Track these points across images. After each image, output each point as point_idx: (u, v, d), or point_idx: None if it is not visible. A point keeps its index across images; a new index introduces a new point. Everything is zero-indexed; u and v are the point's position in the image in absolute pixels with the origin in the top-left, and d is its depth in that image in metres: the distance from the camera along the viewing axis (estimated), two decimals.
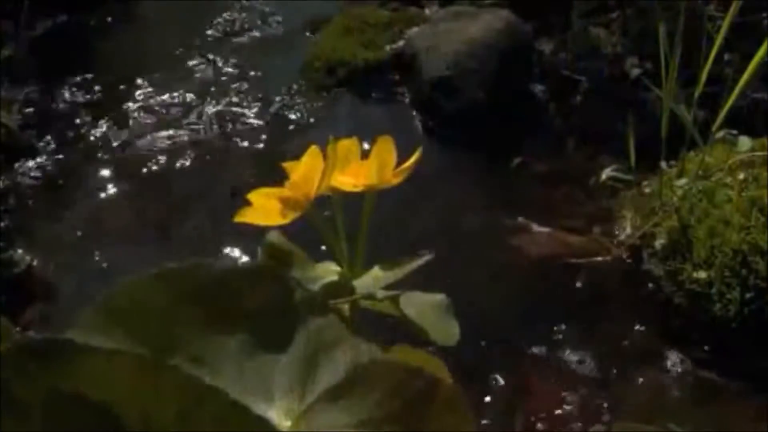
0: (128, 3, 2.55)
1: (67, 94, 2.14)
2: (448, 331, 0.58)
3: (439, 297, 0.60)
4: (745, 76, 1.54)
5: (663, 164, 1.64)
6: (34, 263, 1.64)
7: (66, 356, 0.40)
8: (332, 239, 0.59)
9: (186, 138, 2.00)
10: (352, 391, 0.45)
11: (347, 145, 0.60)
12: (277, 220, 0.57)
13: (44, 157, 1.93)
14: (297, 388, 0.47)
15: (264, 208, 0.57)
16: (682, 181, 1.61)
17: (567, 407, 1.36)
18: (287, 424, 0.46)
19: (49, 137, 1.99)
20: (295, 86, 2.16)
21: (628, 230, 1.67)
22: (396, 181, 0.60)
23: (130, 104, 2.12)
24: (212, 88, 2.17)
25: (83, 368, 0.40)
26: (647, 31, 1.99)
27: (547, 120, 2.04)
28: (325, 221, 0.59)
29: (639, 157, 1.72)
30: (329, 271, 0.59)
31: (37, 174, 1.89)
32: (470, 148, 1.95)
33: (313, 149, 0.58)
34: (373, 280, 0.58)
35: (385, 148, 0.58)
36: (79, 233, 1.73)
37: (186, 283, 0.49)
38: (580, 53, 2.14)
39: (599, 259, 1.63)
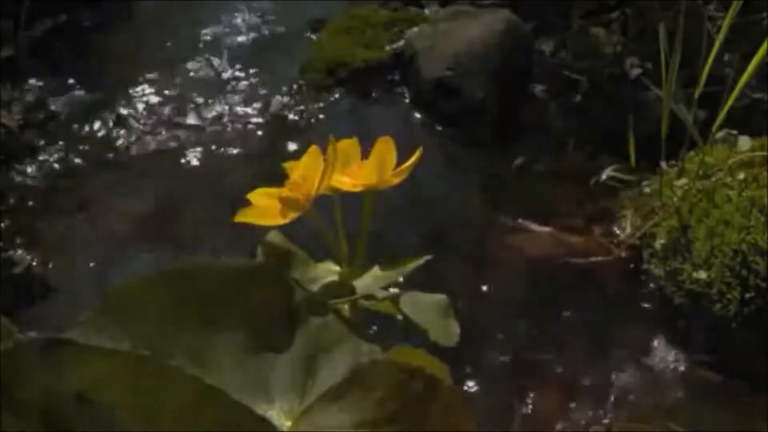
0: (128, 3, 2.55)
1: (67, 94, 2.14)
2: (448, 331, 0.58)
3: (439, 297, 0.60)
4: (745, 76, 1.54)
5: (663, 164, 1.64)
6: (34, 263, 1.64)
7: (66, 356, 0.40)
8: (332, 239, 0.59)
9: (186, 138, 2.00)
10: (352, 391, 0.45)
11: (347, 145, 0.60)
12: (277, 220, 0.57)
13: (44, 157, 1.93)
14: (297, 389, 0.47)
15: (264, 208, 0.58)
16: (682, 181, 1.61)
17: (566, 407, 1.36)
18: (287, 424, 0.46)
19: (49, 137, 1.99)
20: (295, 86, 2.16)
21: (628, 230, 1.67)
22: (396, 181, 0.60)
23: (130, 104, 2.12)
24: (212, 88, 2.17)
25: (83, 368, 0.40)
26: (647, 31, 1.99)
27: (547, 120, 2.04)
28: (325, 221, 0.59)
29: (639, 157, 1.72)
30: (329, 271, 0.59)
31: (37, 174, 1.89)
32: (470, 148, 1.95)
33: (313, 149, 0.58)
34: (373, 280, 0.58)
35: (385, 148, 0.58)
36: (79, 233, 1.73)
37: (186, 283, 0.49)
38: (580, 53, 2.14)
39: (599, 259, 1.63)
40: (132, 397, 0.41)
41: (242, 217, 0.58)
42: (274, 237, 0.60)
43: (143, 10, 2.56)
